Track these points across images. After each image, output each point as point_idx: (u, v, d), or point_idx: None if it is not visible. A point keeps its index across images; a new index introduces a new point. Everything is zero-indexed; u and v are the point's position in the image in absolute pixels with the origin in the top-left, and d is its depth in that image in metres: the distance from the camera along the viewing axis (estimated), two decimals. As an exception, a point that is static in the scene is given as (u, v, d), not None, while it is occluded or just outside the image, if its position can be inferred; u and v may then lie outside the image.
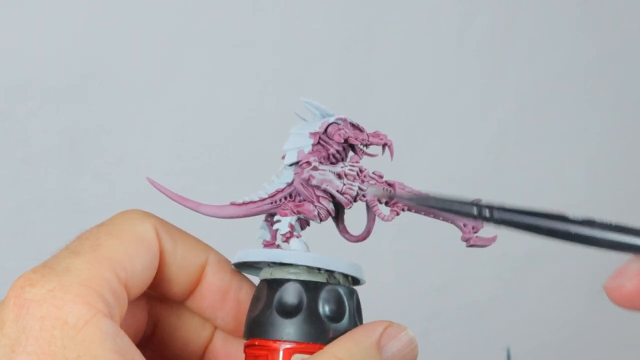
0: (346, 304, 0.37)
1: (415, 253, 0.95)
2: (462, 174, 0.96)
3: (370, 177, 0.39)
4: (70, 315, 0.32)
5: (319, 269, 0.37)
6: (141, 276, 0.36)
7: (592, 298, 1.01)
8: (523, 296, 1.00)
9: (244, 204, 0.38)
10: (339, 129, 0.38)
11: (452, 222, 0.39)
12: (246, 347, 0.37)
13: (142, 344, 0.40)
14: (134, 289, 0.36)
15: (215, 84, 0.87)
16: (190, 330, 0.40)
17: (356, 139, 0.38)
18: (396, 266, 0.94)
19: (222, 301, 0.39)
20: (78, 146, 0.83)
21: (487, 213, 0.35)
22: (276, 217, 0.38)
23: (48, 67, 0.82)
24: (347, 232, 0.40)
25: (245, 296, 0.39)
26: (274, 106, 0.88)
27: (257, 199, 0.38)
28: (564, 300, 1.01)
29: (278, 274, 0.37)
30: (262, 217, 0.40)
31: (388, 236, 0.91)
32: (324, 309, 0.36)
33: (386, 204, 0.39)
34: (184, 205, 0.38)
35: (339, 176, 0.38)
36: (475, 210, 0.35)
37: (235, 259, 0.39)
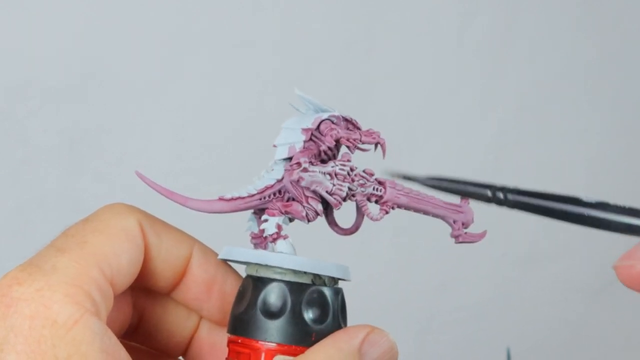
0: (330, 305, 0.36)
1: (414, 252, 0.95)
2: (462, 174, 0.96)
3: (361, 176, 0.38)
4: (59, 315, 0.32)
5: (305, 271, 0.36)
6: (127, 272, 0.36)
7: (592, 298, 1.01)
8: (523, 296, 1.00)
9: (232, 199, 0.38)
10: (332, 129, 0.38)
11: (442, 219, 0.39)
12: (230, 342, 0.37)
13: (128, 335, 0.40)
14: (120, 285, 0.36)
15: (215, 84, 0.87)
16: (175, 321, 0.40)
17: (348, 139, 0.38)
18: (396, 266, 0.94)
19: (207, 293, 0.39)
20: (78, 146, 0.83)
21: (500, 196, 0.35)
22: (264, 217, 0.38)
23: (48, 67, 0.82)
24: (336, 225, 0.40)
25: (230, 288, 0.39)
26: (274, 106, 0.88)
27: (245, 194, 0.38)
28: (564, 300, 1.01)
29: (264, 272, 0.37)
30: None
31: (387, 235, 0.91)
32: (308, 311, 0.36)
33: (376, 202, 0.39)
34: (172, 200, 0.38)
35: (330, 176, 0.38)
36: (489, 193, 0.35)
37: (221, 254, 0.38)
